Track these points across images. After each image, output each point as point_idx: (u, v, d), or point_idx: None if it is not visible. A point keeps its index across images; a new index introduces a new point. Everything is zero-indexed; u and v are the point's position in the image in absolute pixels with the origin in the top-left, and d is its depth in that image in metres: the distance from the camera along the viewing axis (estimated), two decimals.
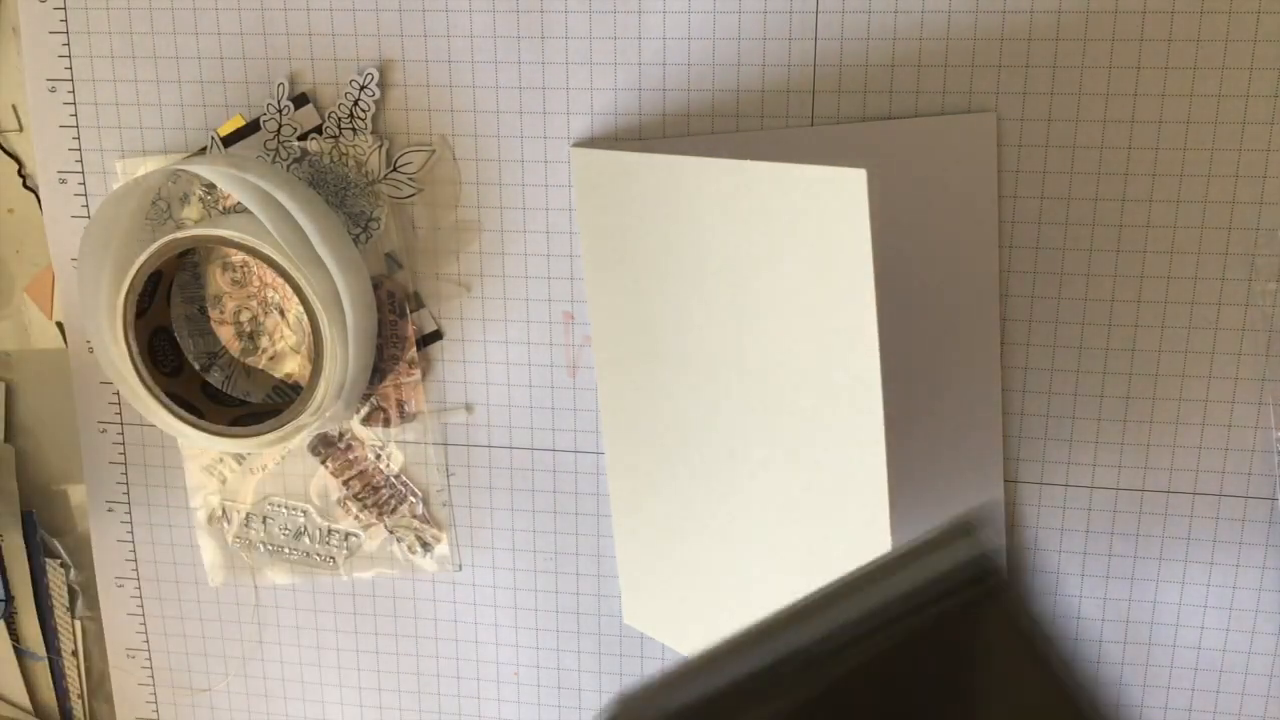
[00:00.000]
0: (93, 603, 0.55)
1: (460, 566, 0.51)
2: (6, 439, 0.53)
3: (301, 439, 0.49)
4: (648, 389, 0.45)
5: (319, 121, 0.47)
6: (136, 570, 0.54)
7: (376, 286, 0.48)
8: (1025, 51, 0.42)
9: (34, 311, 0.52)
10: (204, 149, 0.48)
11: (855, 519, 0.39)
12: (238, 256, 0.49)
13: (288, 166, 0.47)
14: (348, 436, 0.50)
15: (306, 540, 0.51)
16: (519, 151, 0.46)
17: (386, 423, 0.49)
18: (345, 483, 0.50)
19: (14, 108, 0.50)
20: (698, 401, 0.43)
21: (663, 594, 0.47)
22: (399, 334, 0.48)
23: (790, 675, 0.25)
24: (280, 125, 0.47)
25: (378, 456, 0.50)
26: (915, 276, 0.43)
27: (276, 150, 0.47)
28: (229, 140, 0.47)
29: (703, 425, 0.43)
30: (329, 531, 0.51)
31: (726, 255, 0.40)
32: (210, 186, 0.48)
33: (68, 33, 0.48)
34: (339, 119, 0.46)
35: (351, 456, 0.50)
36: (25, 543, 0.53)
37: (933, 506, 0.44)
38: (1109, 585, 0.46)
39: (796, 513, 0.41)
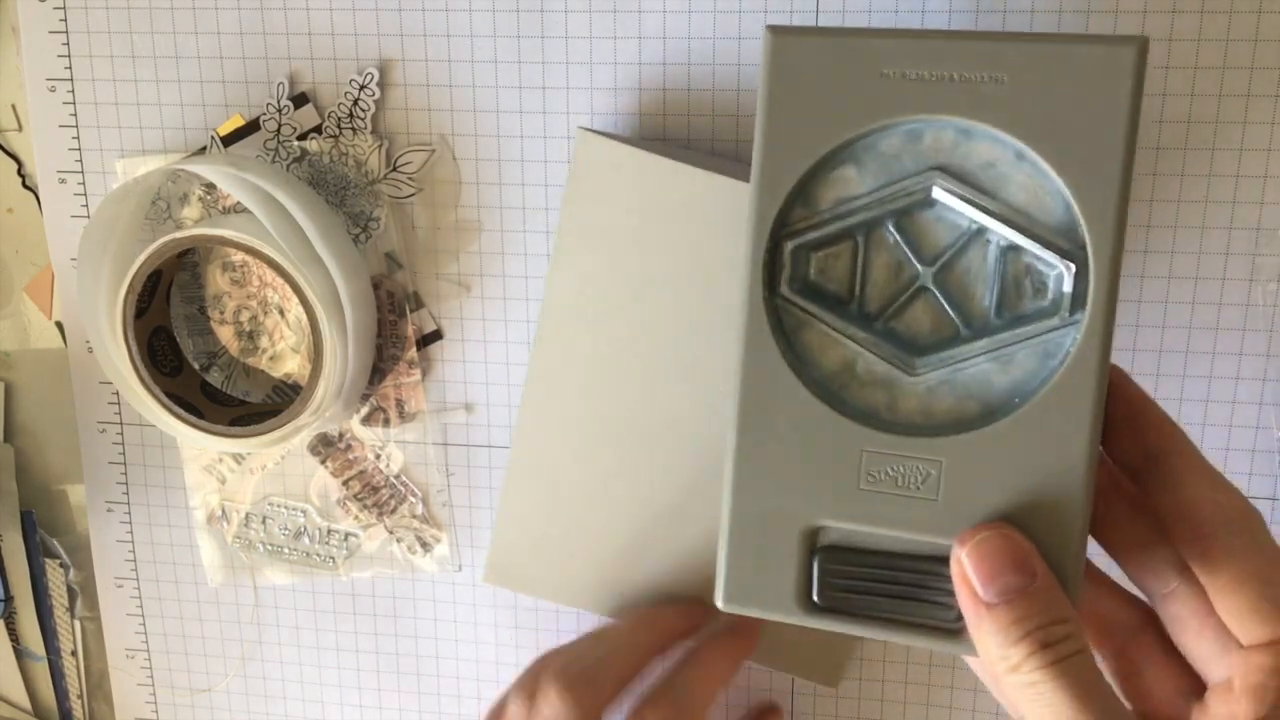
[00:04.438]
0: (92, 603, 0.55)
1: (460, 566, 0.51)
2: (6, 439, 0.53)
3: (301, 439, 0.49)
4: (587, 365, 0.44)
5: (319, 121, 0.47)
6: (136, 570, 0.54)
7: (376, 286, 0.48)
8: None
9: (33, 311, 0.52)
10: (204, 149, 0.48)
11: None
12: (238, 256, 0.49)
13: (288, 166, 0.47)
14: (347, 436, 0.50)
15: (306, 540, 0.51)
16: (519, 151, 0.46)
17: (386, 423, 0.49)
18: (345, 483, 0.50)
19: (14, 108, 0.50)
20: (639, 391, 0.44)
21: (538, 554, 0.46)
22: (399, 334, 0.48)
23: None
24: (280, 125, 0.47)
25: (378, 456, 0.50)
26: None
27: (276, 150, 0.47)
28: (229, 140, 0.47)
29: (636, 413, 0.44)
30: (329, 531, 0.51)
31: (717, 272, 0.41)
32: (210, 186, 0.48)
33: (68, 33, 0.48)
34: (339, 119, 0.46)
35: (351, 456, 0.50)
36: (25, 543, 0.53)
37: None
38: None
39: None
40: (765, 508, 0.31)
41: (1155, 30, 0.41)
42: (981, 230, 0.31)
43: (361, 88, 0.46)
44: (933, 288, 0.31)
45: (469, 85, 0.46)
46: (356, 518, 0.51)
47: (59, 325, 0.52)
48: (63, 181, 0.49)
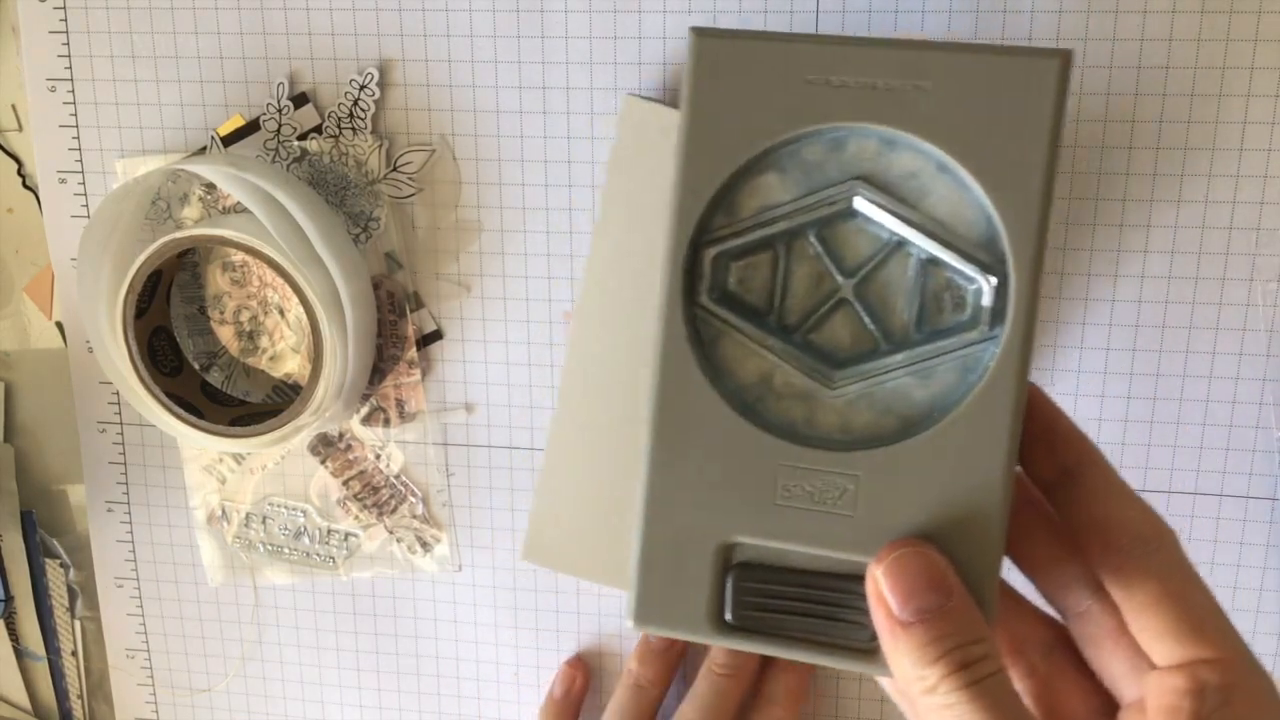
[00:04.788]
0: (92, 603, 0.55)
1: (460, 566, 0.51)
2: (6, 439, 0.53)
3: (301, 439, 0.49)
4: (626, 340, 0.44)
5: (319, 121, 0.47)
6: (136, 570, 0.54)
7: (376, 286, 0.48)
8: None
9: (34, 311, 0.52)
10: (204, 149, 0.48)
11: None
12: (238, 256, 0.49)
13: (288, 166, 0.47)
14: (348, 436, 0.50)
15: (306, 540, 0.51)
16: (519, 151, 0.46)
17: (386, 423, 0.49)
18: (345, 483, 0.50)
19: (14, 108, 0.50)
20: None
21: (571, 535, 0.47)
22: (399, 334, 0.48)
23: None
24: (280, 125, 0.47)
25: (378, 456, 0.50)
26: None
27: (276, 150, 0.47)
28: (229, 140, 0.47)
29: None
30: (329, 531, 0.51)
31: None
32: (210, 186, 0.48)
33: (68, 33, 0.48)
34: (339, 119, 0.46)
35: (351, 456, 0.50)
36: (25, 543, 0.53)
37: None
38: None
39: None
40: (679, 522, 0.31)
41: (1156, 31, 0.41)
42: (902, 242, 0.30)
43: (361, 88, 0.46)
44: (853, 300, 0.31)
45: (469, 85, 0.46)
46: (356, 518, 0.51)
47: (59, 325, 0.52)
48: (63, 181, 0.49)
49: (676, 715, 0.47)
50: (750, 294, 0.31)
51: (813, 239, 0.31)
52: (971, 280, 0.30)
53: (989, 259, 0.29)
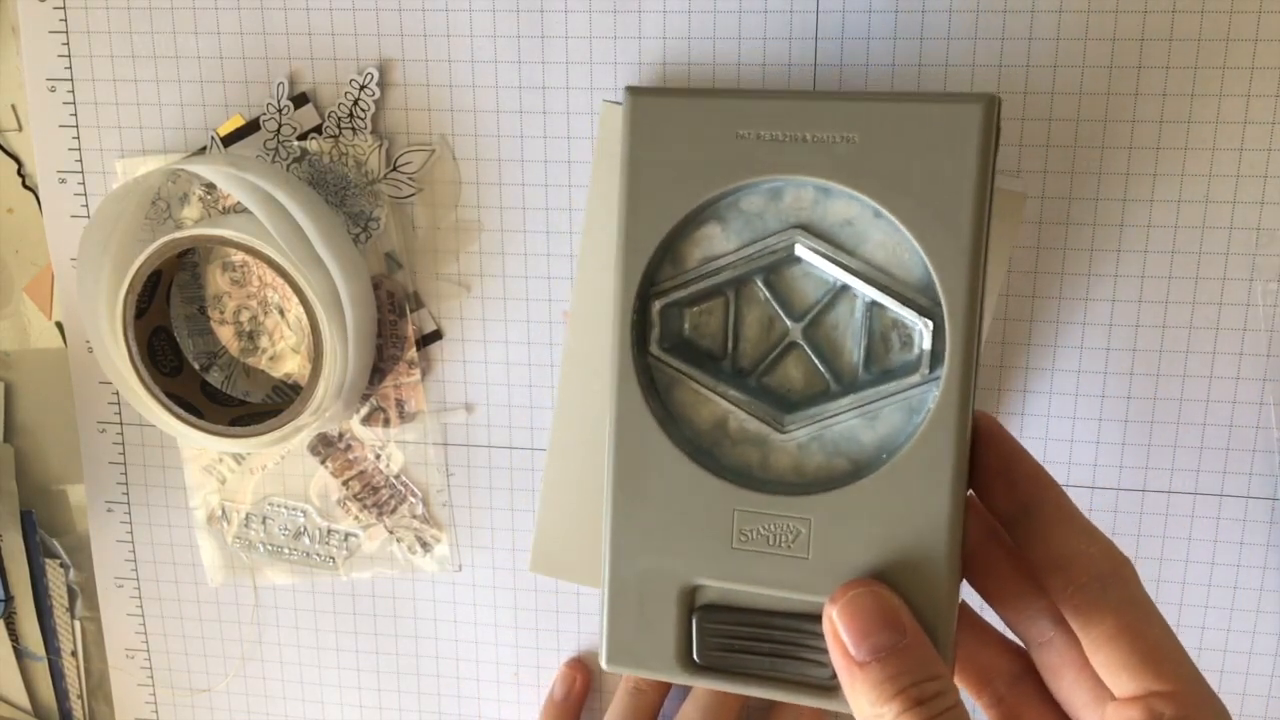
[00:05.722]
0: (92, 603, 0.55)
1: (460, 566, 0.51)
2: (6, 439, 0.53)
3: (301, 439, 0.49)
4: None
5: (319, 121, 0.47)
6: (136, 570, 0.54)
7: (376, 286, 0.48)
8: (1026, 51, 0.42)
9: (33, 311, 0.52)
10: (204, 149, 0.48)
11: None
12: (238, 256, 0.49)
13: (287, 166, 0.47)
14: (347, 436, 0.50)
15: (306, 540, 0.51)
16: (519, 151, 0.46)
17: (386, 423, 0.49)
18: (345, 483, 0.50)
19: (14, 108, 0.50)
20: None
21: (577, 543, 0.47)
22: (399, 334, 0.48)
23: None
24: (280, 125, 0.47)
25: (378, 457, 0.50)
26: None
27: (276, 150, 0.47)
28: (229, 140, 0.47)
29: None
30: (329, 532, 0.51)
31: None
32: (210, 186, 0.48)
33: (68, 33, 0.48)
34: (339, 119, 0.46)
35: (351, 456, 0.50)
36: (25, 543, 0.53)
37: None
38: None
39: None
40: (643, 567, 0.31)
41: (1155, 30, 0.41)
42: (847, 286, 0.31)
43: (361, 88, 0.46)
44: (803, 343, 0.31)
45: (469, 85, 0.46)
46: (356, 518, 0.51)
47: (59, 325, 0.52)
48: (63, 181, 0.49)
49: (678, 716, 0.47)
50: (705, 339, 0.32)
51: (761, 285, 0.31)
52: (914, 322, 0.30)
53: (927, 303, 0.30)
